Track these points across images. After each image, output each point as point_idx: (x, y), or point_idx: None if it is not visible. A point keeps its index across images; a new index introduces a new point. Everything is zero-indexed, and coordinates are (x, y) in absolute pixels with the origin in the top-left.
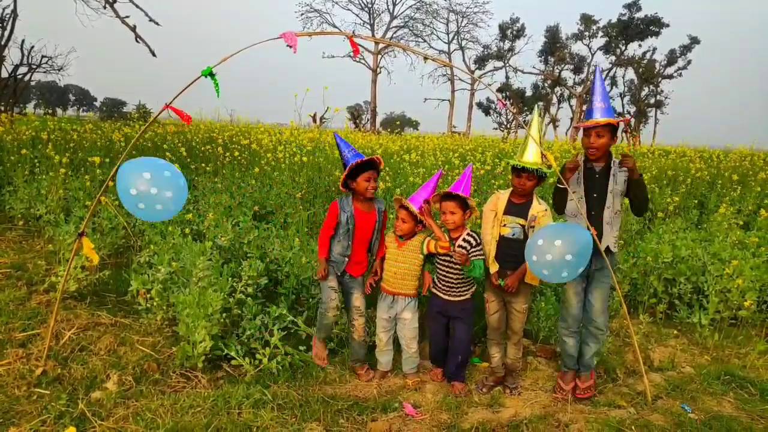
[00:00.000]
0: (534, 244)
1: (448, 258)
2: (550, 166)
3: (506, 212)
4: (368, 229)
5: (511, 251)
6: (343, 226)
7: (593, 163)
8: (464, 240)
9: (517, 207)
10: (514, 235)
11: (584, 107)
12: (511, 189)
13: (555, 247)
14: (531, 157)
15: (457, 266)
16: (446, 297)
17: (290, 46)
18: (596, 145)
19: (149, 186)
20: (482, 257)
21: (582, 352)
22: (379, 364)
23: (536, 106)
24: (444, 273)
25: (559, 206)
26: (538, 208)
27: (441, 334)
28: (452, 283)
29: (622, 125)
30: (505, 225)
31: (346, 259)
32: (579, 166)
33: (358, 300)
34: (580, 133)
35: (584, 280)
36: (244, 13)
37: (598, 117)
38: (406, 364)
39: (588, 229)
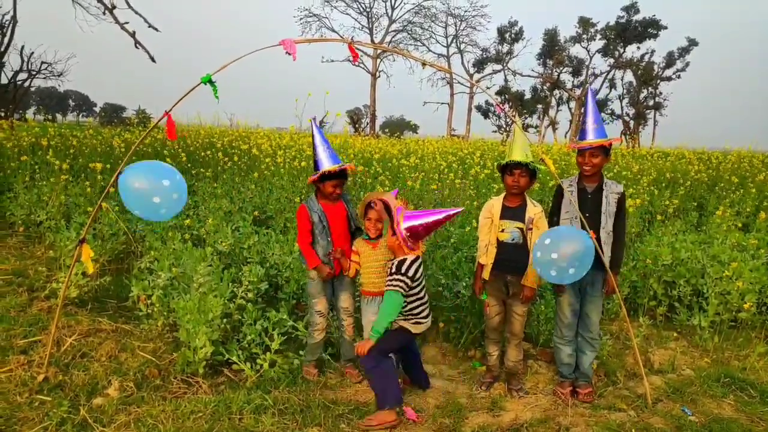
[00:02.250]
0: (541, 243)
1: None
2: (542, 160)
3: (502, 217)
4: (342, 221)
5: (511, 257)
6: (318, 225)
7: (585, 184)
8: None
9: (513, 211)
10: (513, 239)
11: (581, 112)
12: (503, 195)
13: (563, 240)
14: (520, 154)
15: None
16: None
17: (289, 54)
18: (591, 164)
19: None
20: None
21: (580, 361)
22: None
23: (516, 122)
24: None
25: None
26: (534, 210)
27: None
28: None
29: (615, 144)
30: (503, 230)
31: (331, 258)
32: None
33: (346, 301)
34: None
35: (578, 292)
36: (244, 16)
37: (592, 138)
38: None
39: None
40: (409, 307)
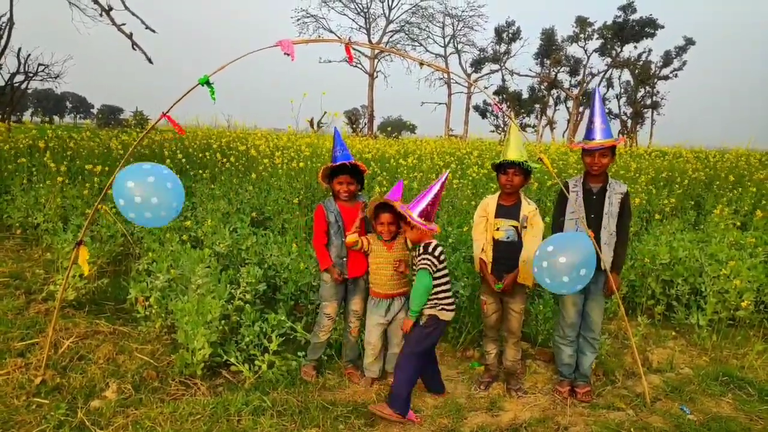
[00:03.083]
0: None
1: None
2: (540, 159)
3: (497, 216)
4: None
5: (506, 254)
6: (333, 225)
7: (591, 184)
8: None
9: (507, 209)
10: (508, 237)
11: (581, 111)
12: (498, 193)
13: (562, 264)
14: (514, 153)
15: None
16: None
17: (287, 54)
18: (599, 164)
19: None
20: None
21: (580, 362)
22: (370, 372)
23: (512, 121)
24: None
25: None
26: (528, 208)
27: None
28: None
29: (621, 143)
30: (498, 228)
31: (345, 259)
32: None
33: (357, 304)
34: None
35: (582, 292)
36: (243, 17)
37: (601, 138)
38: (390, 363)
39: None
40: (435, 291)
